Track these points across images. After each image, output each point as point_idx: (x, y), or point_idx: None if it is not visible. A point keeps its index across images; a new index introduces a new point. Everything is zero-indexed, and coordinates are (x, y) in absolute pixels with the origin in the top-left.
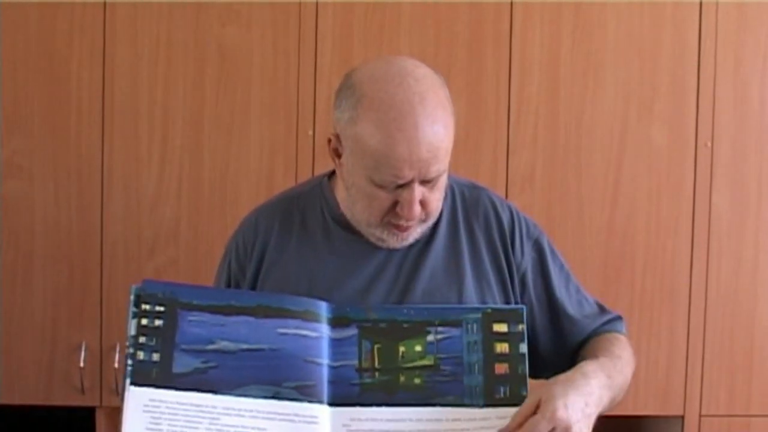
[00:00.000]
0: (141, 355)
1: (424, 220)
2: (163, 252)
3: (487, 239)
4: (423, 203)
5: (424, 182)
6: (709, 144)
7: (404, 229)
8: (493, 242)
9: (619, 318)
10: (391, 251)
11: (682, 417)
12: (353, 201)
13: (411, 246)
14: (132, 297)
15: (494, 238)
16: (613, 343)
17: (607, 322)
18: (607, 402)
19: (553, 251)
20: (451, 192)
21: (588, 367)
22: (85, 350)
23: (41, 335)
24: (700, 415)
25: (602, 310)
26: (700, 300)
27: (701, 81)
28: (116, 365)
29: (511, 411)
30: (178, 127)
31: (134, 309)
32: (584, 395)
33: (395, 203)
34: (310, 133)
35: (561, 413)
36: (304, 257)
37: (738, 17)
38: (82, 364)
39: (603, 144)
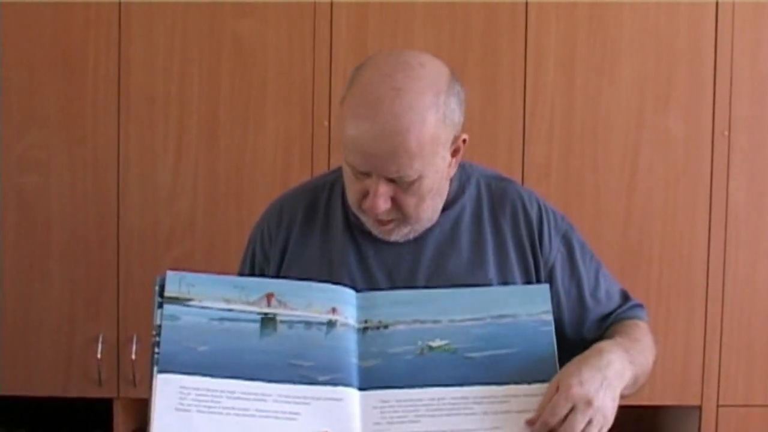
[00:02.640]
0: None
1: (403, 221)
2: (179, 244)
3: (514, 233)
4: (395, 202)
5: (391, 180)
6: (726, 133)
7: (380, 223)
8: (520, 236)
9: (640, 305)
10: (412, 245)
11: (700, 407)
12: (345, 181)
13: (433, 239)
14: (156, 287)
15: (521, 232)
16: (632, 328)
17: (629, 309)
18: (629, 377)
19: (582, 244)
20: (476, 184)
21: (603, 344)
22: (102, 342)
23: (59, 328)
24: (718, 405)
25: (626, 298)
26: (717, 290)
27: (718, 70)
28: (133, 357)
29: (535, 387)
30: (194, 119)
31: (159, 299)
32: (601, 369)
33: (367, 192)
34: (326, 123)
35: (576, 390)
36: (326, 248)
37: (755, 6)
38: (99, 356)
39: (619, 134)
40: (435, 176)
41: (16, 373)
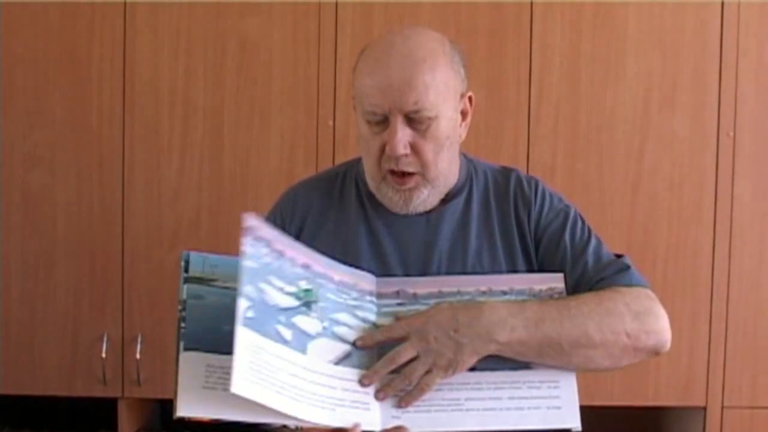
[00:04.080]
0: (192, 321)
1: (423, 176)
2: (184, 243)
3: (515, 215)
4: (414, 149)
5: (410, 122)
6: (732, 134)
7: (401, 180)
8: (520, 217)
9: (624, 269)
10: (425, 227)
11: (704, 408)
12: (363, 157)
13: (445, 223)
14: (182, 263)
15: (520, 212)
16: (578, 296)
17: (610, 277)
18: (508, 338)
19: (577, 218)
20: (483, 176)
21: (490, 302)
22: (107, 341)
23: (63, 327)
24: (723, 407)
25: (615, 267)
26: (722, 291)
27: (723, 70)
28: (138, 356)
29: None
30: (199, 118)
31: (184, 274)
32: (455, 321)
33: (386, 145)
34: (331, 123)
35: (417, 322)
36: (341, 235)
37: (760, 7)
38: (103, 356)
39: (624, 134)
40: (449, 123)
41: (21, 372)
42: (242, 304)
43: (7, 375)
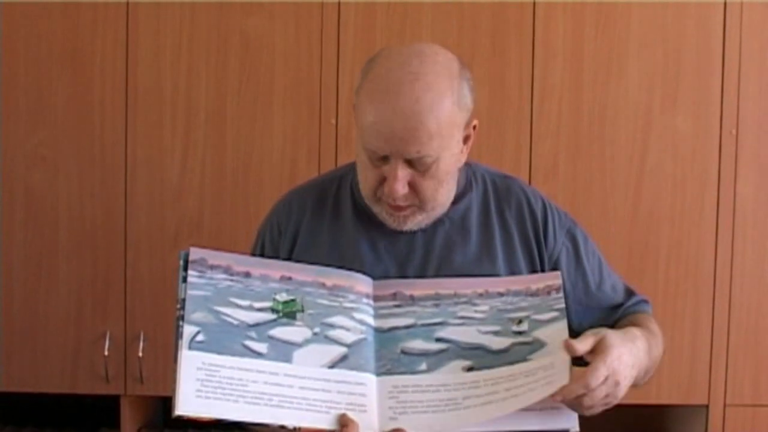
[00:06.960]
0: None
1: (419, 207)
2: (186, 242)
3: (520, 228)
4: (413, 187)
5: (410, 164)
6: (734, 132)
7: (397, 209)
8: (526, 231)
9: (646, 300)
10: (423, 236)
11: (707, 406)
12: (359, 173)
13: (443, 231)
14: (181, 262)
15: (527, 227)
16: (648, 320)
17: (636, 303)
18: (643, 370)
19: (585, 239)
20: (482, 181)
21: (636, 332)
22: (110, 339)
23: (66, 324)
24: (725, 405)
25: (630, 292)
26: (724, 289)
27: (726, 68)
28: (140, 354)
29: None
30: (201, 117)
31: (183, 273)
32: (633, 355)
33: (384, 179)
34: (333, 122)
35: (617, 364)
36: (336, 240)
37: (763, 5)
38: (106, 353)
39: (627, 132)
40: (450, 159)
41: (24, 369)
42: (188, 331)
43: (9, 372)
